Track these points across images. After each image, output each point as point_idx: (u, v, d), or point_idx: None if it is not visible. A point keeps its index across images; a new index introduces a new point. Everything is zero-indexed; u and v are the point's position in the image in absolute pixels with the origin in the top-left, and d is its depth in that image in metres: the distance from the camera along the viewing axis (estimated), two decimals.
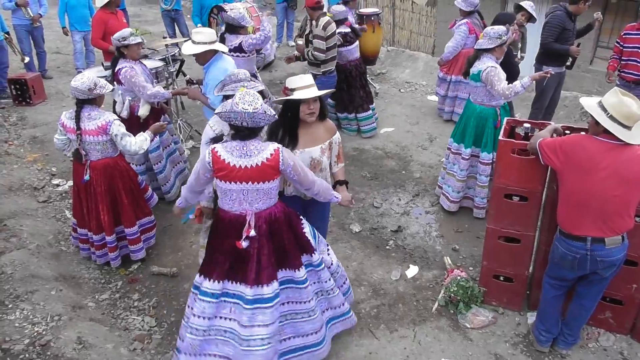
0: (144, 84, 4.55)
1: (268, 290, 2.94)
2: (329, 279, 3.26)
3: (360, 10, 7.80)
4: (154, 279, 4.23)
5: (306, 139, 3.22)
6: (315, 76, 5.30)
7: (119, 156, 4.08)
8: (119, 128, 3.85)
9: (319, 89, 3.27)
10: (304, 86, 3.14)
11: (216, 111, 2.89)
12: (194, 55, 4.36)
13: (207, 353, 3.07)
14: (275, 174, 2.85)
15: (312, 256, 3.13)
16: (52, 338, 3.37)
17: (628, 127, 2.73)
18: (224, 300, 3.01)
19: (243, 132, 2.78)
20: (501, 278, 3.74)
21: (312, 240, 3.16)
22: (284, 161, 2.82)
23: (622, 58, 5.57)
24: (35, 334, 3.40)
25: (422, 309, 3.87)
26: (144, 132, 4.07)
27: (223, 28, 5.24)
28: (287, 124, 3.20)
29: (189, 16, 9.14)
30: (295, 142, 3.19)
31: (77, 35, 8.01)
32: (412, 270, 4.26)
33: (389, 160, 6.01)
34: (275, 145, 2.86)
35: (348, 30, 6.19)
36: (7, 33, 7.47)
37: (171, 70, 6.20)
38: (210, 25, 7.35)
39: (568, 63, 5.65)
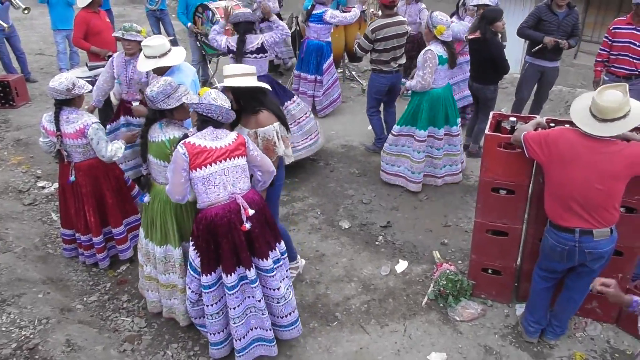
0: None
1: (268, 263, 3.13)
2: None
3: (345, 7, 7.80)
4: None
5: (244, 118, 3.44)
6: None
7: None
8: (96, 132, 3.78)
9: None
10: (230, 75, 3.35)
11: (192, 102, 3.07)
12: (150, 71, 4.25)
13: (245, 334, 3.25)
14: (244, 149, 3.06)
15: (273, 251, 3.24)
16: (40, 341, 3.33)
17: (605, 121, 2.74)
18: (232, 288, 3.11)
19: (214, 122, 3.03)
20: (489, 271, 3.77)
21: (281, 244, 3.35)
22: (247, 141, 3.09)
23: (612, 53, 5.53)
24: (23, 337, 3.37)
25: (412, 304, 3.89)
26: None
27: (215, 27, 5.10)
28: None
29: (174, 15, 9.08)
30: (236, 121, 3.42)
31: (59, 35, 7.88)
32: (402, 265, 4.28)
33: (377, 156, 6.01)
34: (234, 132, 3.14)
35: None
36: None
37: None
38: (195, 24, 7.31)
39: (534, 49, 5.67)
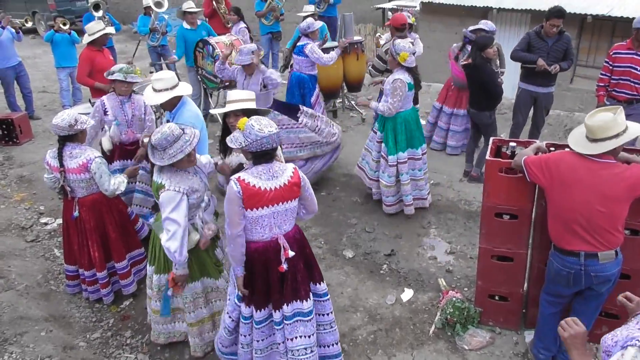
0: (94, 119, 4.50)
1: (307, 304, 3.07)
2: (330, 313, 3.29)
3: (343, 38, 7.94)
4: (147, 314, 4.16)
5: None
6: None
7: None
8: (99, 166, 3.82)
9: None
10: (234, 100, 3.40)
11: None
12: (160, 104, 4.16)
13: None
14: (299, 190, 2.94)
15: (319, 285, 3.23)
16: None
17: (595, 140, 2.76)
18: (260, 323, 3.12)
19: (268, 155, 2.86)
20: (496, 297, 3.73)
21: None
22: (303, 176, 2.96)
23: (613, 77, 5.58)
24: None
25: (419, 333, 3.83)
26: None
27: (209, 62, 5.26)
28: (224, 132, 3.53)
29: (174, 51, 9.24)
30: (227, 147, 3.38)
31: (62, 73, 8.04)
32: (407, 294, 4.24)
33: None
34: (291, 164, 2.99)
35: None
36: None
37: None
38: (196, 60, 7.43)
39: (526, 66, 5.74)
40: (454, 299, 3.90)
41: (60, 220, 4.96)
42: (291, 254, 2.94)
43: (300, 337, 3.07)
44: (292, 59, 6.94)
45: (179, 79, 4.35)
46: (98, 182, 3.85)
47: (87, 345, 3.86)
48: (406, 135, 5.07)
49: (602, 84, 5.72)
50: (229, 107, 3.42)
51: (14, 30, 7.72)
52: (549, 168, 2.96)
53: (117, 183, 3.89)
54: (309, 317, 3.08)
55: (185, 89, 4.14)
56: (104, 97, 4.73)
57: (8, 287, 4.28)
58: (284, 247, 2.93)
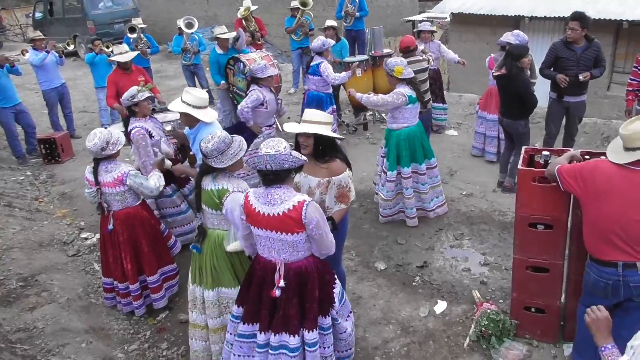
0: (148, 155, 4.50)
1: (294, 341, 2.96)
2: (330, 346, 3.13)
3: (373, 52, 8.00)
4: (183, 327, 4.24)
5: (309, 167, 3.34)
6: None
7: (140, 205, 4.17)
8: (134, 179, 3.94)
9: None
10: (308, 121, 3.33)
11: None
12: (180, 114, 4.33)
13: None
14: (297, 226, 2.79)
15: (325, 318, 3.08)
16: None
17: (628, 149, 2.72)
18: (254, 346, 3.07)
19: (268, 177, 2.80)
20: (532, 309, 3.65)
21: (336, 305, 3.14)
22: (306, 214, 2.75)
23: None
24: None
25: (453, 345, 3.78)
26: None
27: (240, 79, 5.40)
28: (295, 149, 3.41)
29: (207, 69, 9.48)
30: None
31: (101, 93, 8.36)
32: (441, 306, 4.19)
33: None
34: (303, 197, 2.83)
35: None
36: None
37: None
38: (227, 77, 7.59)
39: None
40: (489, 310, 3.84)
41: (99, 235, 5.12)
42: (282, 284, 2.87)
43: None
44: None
45: (211, 98, 4.48)
46: (139, 190, 3.97)
47: (125, 357, 3.96)
48: (410, 151, 5.10)
49: (631, 89, 5.66)
50: (303, 129, 3.31)
51: (57, 55, 8.09)
52: (583, 177, 2.90)
53: (155, 180, 4.01)
54: (294, 354, 2.96)
55: (206, 115, 4.25)
56: (140, 124, 4.62)
57: (51, 300, 4.44)
58: (279, 273, 2.89)
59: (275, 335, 2.96)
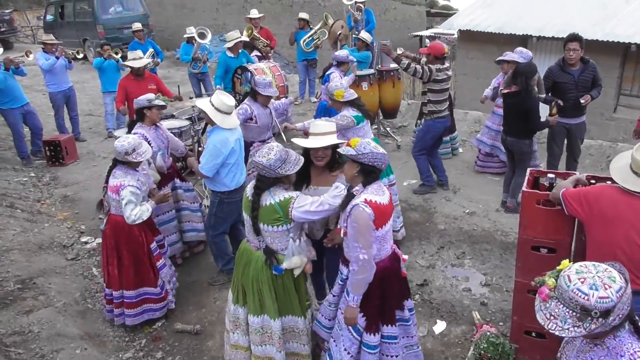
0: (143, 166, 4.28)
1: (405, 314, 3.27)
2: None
3: (379, 66, 8.01)
4: (178, 336, 4.21)
5: (320, 179, 3.43)
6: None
7: None
8: (127, 194, 3.82)
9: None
10: (318, 133, 3.34)
11: (352, 154, 2.97)
12: (201, 111, 4.38)
13: None
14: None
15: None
16: None
17: None
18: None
19: (376, 173, 3.01)
20: (533, 334, 3.60)
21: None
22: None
23: None
24: None
25: None
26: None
27: (247, 88, 5.41)
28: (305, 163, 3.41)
29: (213, 76, 9.51)
30: (306, 180, 3.44)
31: (108, 97, 8.41)
32: (440, 326, 4.15)
33: (412, 212, 5.97)
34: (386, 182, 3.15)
35: None
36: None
37: (197, 128, 6.40)
38: (234, 86, 7.61)
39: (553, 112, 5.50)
40: (488, 333, 3.79)
41: (99, 240, 5.11)
42: (405, 257, 3.22)
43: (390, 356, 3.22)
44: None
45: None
46: (122, 208, 3.85)
47: None
48: None
49: None
50: (316, 144, 3.31)
51: (67, 60, 8.14)
52: (589, 202, 2.87)
53: (139, 213, 3.85)
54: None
55: (224, 121, 4.21)
56: (142, 132, 4.54)
57: (47, 304, 4.41)
58: (401, 255, 3.19)
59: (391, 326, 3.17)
